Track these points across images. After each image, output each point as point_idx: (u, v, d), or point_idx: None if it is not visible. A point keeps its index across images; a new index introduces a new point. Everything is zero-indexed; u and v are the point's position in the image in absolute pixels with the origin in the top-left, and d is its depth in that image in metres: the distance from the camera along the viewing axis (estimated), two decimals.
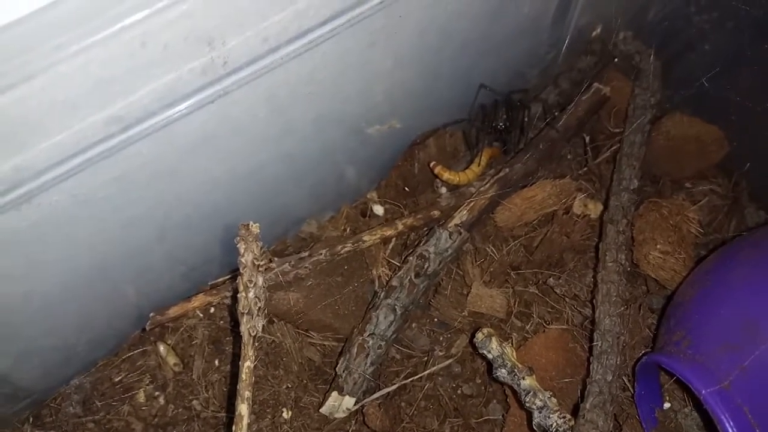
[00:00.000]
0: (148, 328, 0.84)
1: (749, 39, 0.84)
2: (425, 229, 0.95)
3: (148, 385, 0.89)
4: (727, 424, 0.59)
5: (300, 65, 0.61)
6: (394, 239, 0.95)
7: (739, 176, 0.98)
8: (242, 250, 0.74)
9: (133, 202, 0.66)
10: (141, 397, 0.89)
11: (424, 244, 0.90)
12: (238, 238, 0.74)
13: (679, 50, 0.96)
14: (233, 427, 0.69)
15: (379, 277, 0.93)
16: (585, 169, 0.99)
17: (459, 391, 0.89)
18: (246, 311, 0.72)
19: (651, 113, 0.94)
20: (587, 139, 0.99)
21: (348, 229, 0.96)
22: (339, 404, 0.84)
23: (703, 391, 0.61)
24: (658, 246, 0.86)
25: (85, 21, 0.43)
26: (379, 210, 0.98)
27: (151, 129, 0.55)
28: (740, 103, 0.92)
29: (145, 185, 0.64)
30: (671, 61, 0.98)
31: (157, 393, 0.89)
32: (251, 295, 0.72)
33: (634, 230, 0.89)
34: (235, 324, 0.89)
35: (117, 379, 0.89)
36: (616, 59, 1.02)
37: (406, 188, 0.97)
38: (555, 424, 0.72)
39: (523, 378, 0.76)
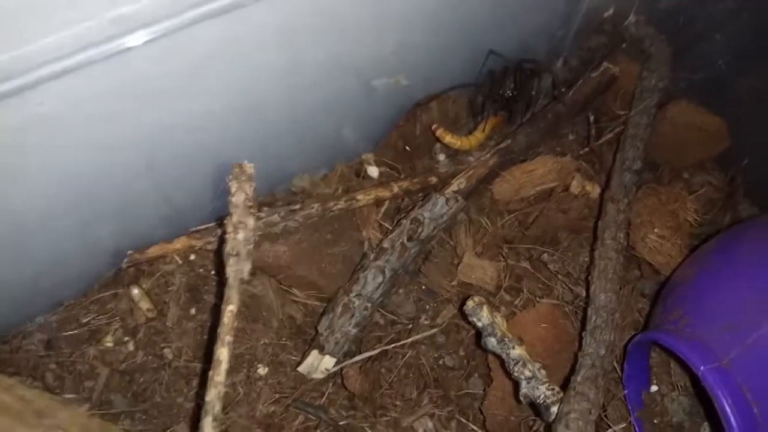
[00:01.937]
0: (124, 266, 0.80)
1: (764, 31, 0.83)
2: (420, 194, 0.93)
3: (117, 329, 0.85)
4: (725, 402, 0.57)
5: None
6: (387, 202, 0.92)
7: (737, 171, 0.98)
8: (234, 190, 0.70)
9: (126, 121, 0.61)
10: (109, 341, 0.84)
11: (419, 209, 0.87)
12: (231, 176, 0.71)
13: (691, 38, 0.95)
14: (210, 372, 0.66)
15: (369, 239, 0.90)
16: (587, 149, 0.97)
17: (441, 362, 0.87)
18: (234, 253, 0.69)
19: (658, 97, 0.93)
20: (591, 118, 0.97)
21: (340, 189, 0.93)
22: (318, 363, 0.81)
23: (702, 368, 0.60)
24: (656, 230, 0.85)
25: None
26: (373, 172, 0.95)
27: (157, 34, 0.51)
28: (746, 96, 0.92)
29: (141, 103, 0.60)
30: (682, 48, 0.97)
31: (126, 338, 0.84)
32: (240, 236, 0.69)
33: (631, 214, 0.88)
34: (217, 272, 0.86)
35: (84, 321, 0.84)
36: (625, 43, 1.01)
37: (407, 147, 0.94)
38: (543, 395, 0.70)
39: (513, 347, 0.74)
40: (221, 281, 0.71)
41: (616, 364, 0.80)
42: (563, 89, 0.95)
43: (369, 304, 0.83)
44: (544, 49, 1.00)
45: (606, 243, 0.81)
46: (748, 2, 0.86)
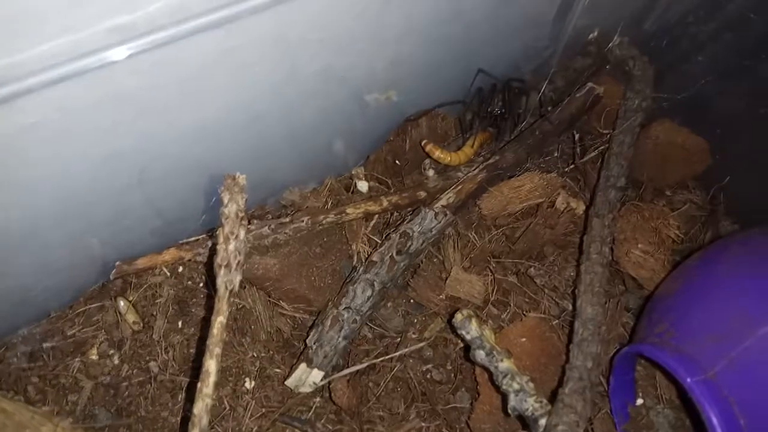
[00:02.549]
0: (112, 278, 0.79)
1: (745, 52, 0.86)
2: (409, 209, 0.93)
3: (102, 341, 0.84)
4: (711, 414, 0.58)
5: (315, 5, 0.59)
6: (377, 216, 0.93)
7: (718, 189, 1.00)
8: (226, 201, 0.70)
9: (119, 132, 0.61)
10: (94, 353, 0.83)
11: (408, 223, 0.88)
12: (223, 188, 0.71)
13: (674, 59, 0.98)
14: (198, 385, 0.65)
15: (358, 252, 0.91)
16: (572, 166, 0.99)
17: (428, 376, 0.87)
18: (224, 264, 0.69)
19: (642, 116, 0.95)
20: (577, 136, 0.99)
21: (330, 202, 0.93)
22: (306, 377, 0.81)
23: (689, 380, 0.61)
24: (639, 245, 0.87)
25: None
26: (363, 186, 0.96)
27: (154, 45, 0.51)
28: (727, 117, 0.94)
29: (135, 114, 0.60)
30: (665, 69, 1.00)
31: (111, 351, 0.83)
32: (231, 247, 0.69)
33: (616, 229, 0.90)
34: (206, 284, 0.85)
35: (70, 333, 0.83)
36: (609, 64, 1.03)
37: (397, 162, 0.95)
38: (531, 407, 0.71)
39: (501, 360, 0.75)
40: (210, 293, 0.71)
41: (602, 378, 0.81)
42: (549, 108, 0.97)
43: (358, 317, 0.83)
44: (531, 68, 1.02)
45: (592, 257, 0.82)
46: (729, 24, 0.89)
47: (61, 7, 0.46)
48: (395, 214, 0.95)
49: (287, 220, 0.85)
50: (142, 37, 0.51)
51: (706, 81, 0.94)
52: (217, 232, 0.69)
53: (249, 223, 0.83)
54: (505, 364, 0.75)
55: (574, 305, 0.81)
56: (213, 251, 0.69)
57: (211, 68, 0.60)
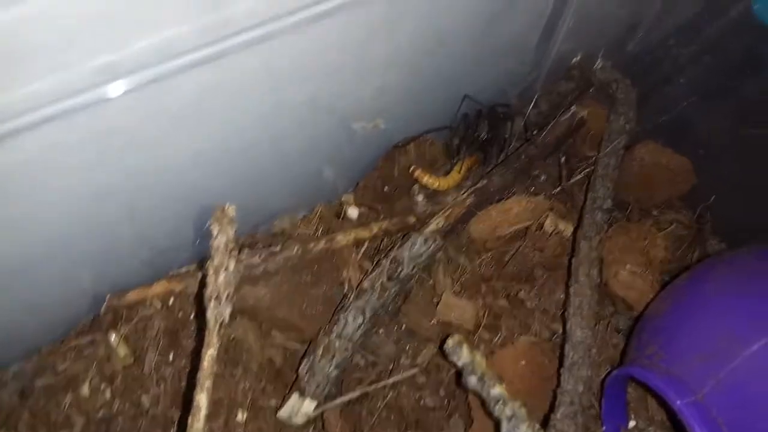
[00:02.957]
0: (103, 311, 0.79)
1: (725, 74, 0.88)
2: (399, 234, 0.94)
3: (94, 376, 0.83)
4: None
5: (301, 39, 0.60)
6: (367, 242, 0.93)
7: (704, 209, 1.01)
8: (215, 233, 0.71)
9: (108, 169, 0.62)
10: (85, 389, 0.82)
11: (398, 248, 0.88)
12: (213, 219, 0.71)
13: (656, 81, 1.00)
14: (189, 419, 0.65)
15: (349, 279, 0.91)
16: (559, 189, 1.00)
17: (422, 403, 0.87)
18: (214, 296, 0.69)
19: (626, 138, 0.97)
20: (563, 159, 1.01)
21: (321, 229, 0.94)
22: (299, 407, 0.80)
23: (678, 402, 0.61)
24: (628, 266, 0.88)
25: None
26: (353, 213, 0.97)
27: (141, 83, 0.52)
28: (710, 137, 0.96)
29: (123, 150, 0.60)
30: (647, 91, 1.02)
31: (103, 385, 0.83)
32: (221, 279, 0.69)
33: (603, 251, 0.90)
34: (197, 316, 0.85)
35: (61, 368, 0.83)
36: (593, 87, 1.05)
37: (386, 188, 0.96)
38: None
39: (494, 386, 0.75)
40: (201, 326, 0.71)
41: (594, 400, 0.81)
42: (535, 132, 0.99)
43: (349, 345, 0.83)
44: (517, 93, 1.04)
45: (580, 280, 0.83)
46: (708, 47, 0.91)
47: (48, 48, 0.46)
48: (386, 239, 0.95)
49: (277, 249, 0.85)
50: (129, 76, 0.52)
51: (688, 102, 0.96)
52: (207, 265, 0.69)
53: (239, 252, 0.84)
54: (497, 390, 0.74)
55: (564, 328, 0.82)
56: (203, 283, 0.69)
57: (199, 102, 0.60)
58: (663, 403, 0.66)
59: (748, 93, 0.88)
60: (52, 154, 0.55)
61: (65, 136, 0.54)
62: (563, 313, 0.84)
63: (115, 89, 0.52)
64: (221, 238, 0.69)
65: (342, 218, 0.97)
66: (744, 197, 0.98)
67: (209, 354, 0.66)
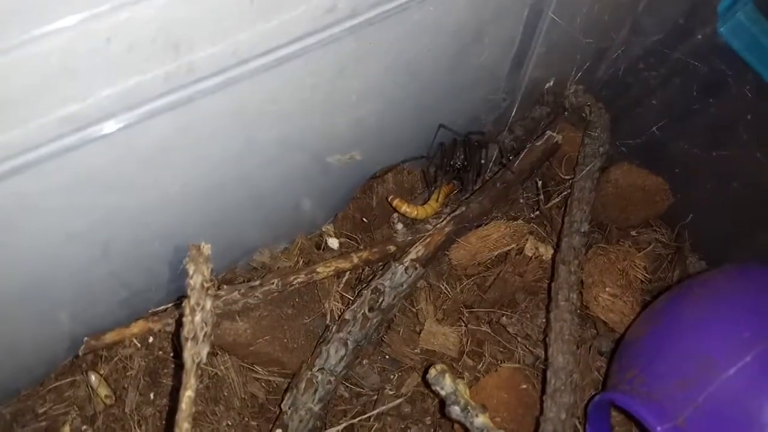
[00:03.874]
0: (81, 354, 0.79)
1: (695, 95, 0.90)
2: (380, 264, 0.94)
3: (75, 418, 0.82)
4: None
5: (269, 81, 0.61)
6: (348, 273, 0.93)
7: (682, 227, 1.02)
8: (191, 272, 0.70)
9: (79, 213, 0.62)
10: (66, 431, 0.81)
11: (379, 278, 0.89)
12: (188, 258, 0.71)
13: (628, 104, 1.01)
14: None
15: (331, 310, 0.91)
16: (537, 212, 1.01)
17: None
18: (191, 336, 0.68)
19: (600, 161, 0.98)
20: (539, 183, 1.02)
21: (301, 261, 0.93)
22: None
23: (658, 428, 0.61)
24: (607, 289, 0.88)
25: (51, 4, 0.42)
26: (334, 243, 0.97)
27: (106, 133, 0.53)
28: (684, 156, 0.97)
29: (94, 195, 0.60)
30: (620, 113, 1.03)
31: (84, 427, 0.82)
32: (198, 319, 0.69)
33: (583, 273, 0.91)
34: (176, 354, 0.85)
35: (41, 411, 0.82)
36: (567, 112, 1.06)
37: (364, 219, 0.96)
38: None
39: (477, 415, 0.74)
40: (180, 364, 0.71)
41: (578, 425, 0.81)
42: (511, 157, 1.00)
43: (332, 378, 0.83)
44: (492, 119, 1.05)
45: (560, 305, 0.83)
46: (677, 69, 0.92)
47: (14, 102, 0.47)
48: (367, 269, 0.95)
49: (257, 283, 0.85)
50: (94, 125, 0.52)
51: (661, 124, 0.97)
52: (183, 304, 0.69)
53: (219, 288, 0.84)
54: (481, 420, 0.74)
55: (546, 354, 0.82)
56: (180, 323, 0.69)
57: (167, 145, 0.61)
58: (645, 429, 0.66)
59: (717, 113, 0.89)
60: (22, 200, 0.56)
61: (35, 184, 0.54)
62: (545, 338, 0.84)
63: (83, 137, 0.52)
64: (197, 277, 0.69)
65: (323, 249, 0.97)
66: (722, 214, 0.99)
67: (187, 395, 0.66)
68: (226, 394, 0.84)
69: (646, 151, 1.01)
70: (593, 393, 0.84)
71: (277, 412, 0.83)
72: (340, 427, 0.84)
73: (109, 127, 0.53)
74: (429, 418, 0.87)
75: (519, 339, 0.89)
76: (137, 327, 0.81)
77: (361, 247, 0.95)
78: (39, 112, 0.49)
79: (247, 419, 0.84)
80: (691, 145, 0.95)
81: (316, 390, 0.81)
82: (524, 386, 0.84)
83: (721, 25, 0.84)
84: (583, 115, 1.04)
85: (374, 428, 0.86)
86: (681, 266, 1.01)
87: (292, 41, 0.59)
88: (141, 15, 0.47)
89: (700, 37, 0.87)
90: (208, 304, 0.69)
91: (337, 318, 0.89)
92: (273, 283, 0.86)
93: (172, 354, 0.85)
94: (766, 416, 0.57)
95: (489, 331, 0.91)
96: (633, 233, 1.03)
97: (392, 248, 0.93)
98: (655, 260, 1.01)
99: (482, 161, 0.96)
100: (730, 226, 0.98)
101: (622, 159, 1.02)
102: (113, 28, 0.46)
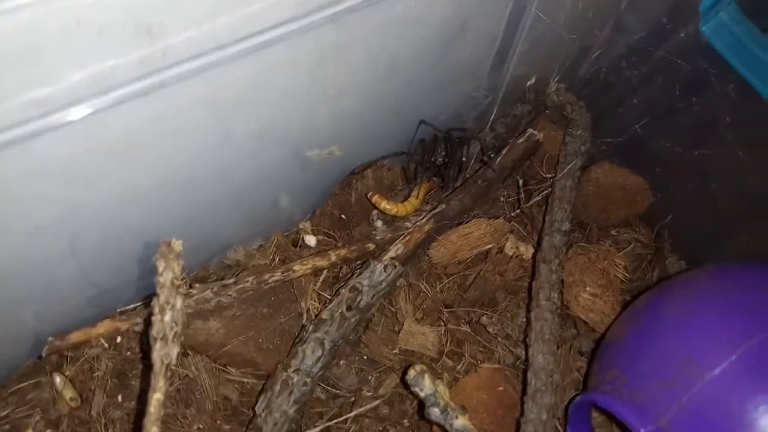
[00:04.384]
0: (44, 354, 0.75)
1: (677, 94, 0.89)
2: (358, 262, 0.92)
3: (38, 421, 0.79)
4: None
5: (246, 68, 0.58)
6: (325, 271, 0.91)
7: (662, 227, 1.02)
8: (161, 269, 0.68)
9: (42, 207, 0.59)
10: None
11: (357, 277, 0.86)
12: (158, 255, 0.68)
13: (610, 103, 1.01)
14: None
15: (308, 310, 0.88)
16: (518, 211, 1.00)
17: None
18: (160, 336, 0.65)
19: (581, 160, 0.97)
20: (521, 182, 1.01)
21: (278, 259, 0.91)
22: None
23: (641, 430, 0.60)
24: (588, 288, 0.87)
25: None
26: (311, 241, 0.94)
27: (74, 119, 0.50)
28: (665, 156, 0.97)
29: (60, 185, 0.57)
30: (601, 112, 1.03)
31: (48, 431, 0.78)
32: (167, 318, 0.66)
33: (564, 273, 0.90)
34: (145, 354, 0.81)
35: (2, 414, 0.78)
36: (548, 110, 1.06)
37: (342, 216, 0.94)
38: None
39: (456, 417, 0.73)
40: (149, 365, 0.68)
41: (559, 426, 0.80)
42: (492, 155, 0.98)
43: (308, 379, 0.80)
44: (473, 116, 1.03)
45: (541, 304, 0.82)
46: (659, 68, 0.92)
47: None
48: (345, 267, 0.93)
49: (231, 281, 0.83)
50: (62, 110, 0.49)
51: (642, 123, 0.97)
52: (152, 303, 0.66)
53: (191, 286, 0.81)
54: (460, 422, 0.73)
55: (526, 353, 0.81)
56: (148, 322, 0.66)
57: (138, 135, 0.58)
58: (626, 430, 0.65)
59: (699, 112, 0.89)
60: None
61: None
62: (525, 338, 0.83)
63: (48, 123, 0.49)
64: (167, 274, 0.66)
65: (300, 246, 0.95)
66: (701, 214, 0.99)
67: (155, 398, 0.63)
68: (197, 396, 0.81)
69: (628, 149, 1.01)
70: (574, 393, 0.83)
71: (251, 415, 0.80)
72: (316, 430, 0.82)
73: (78, 112, 0.50)
74: (407, 420, 0.86)
75: (499, 339, 0.88)
76: (104, 326, 0.78)
77: (339, 244, 0.93)
78: (2, 95, 0.45)
79: (219, 422, 0.81)
80: (672, 144, 0.94)
81: (291, 392, 0.79)
82: (504, 387, 0.83)
83: (703, 24, 0.84)
84: (565, 113, 1.03)
85: (351, 430, 0.84)
86: (660, 266, 1.01)
87: (272, 27, 0.56)
88: None
89: (683, 35, 0.87)
90: (179, 302, 0.67)
91: (313, 317, 0.87)
92: (248, 282, 0.83)
93: (140, 355, 0.82)
94: (751, 416, 0.57)
95: (469, 330, 0.89)
96: (613, 233, 1.02)
97: (371, 246, 0.91)
98: (635, 260, 1.00)
99: (463, 158, 0.94)
100: (711, 226, 0.98)
101: (603, 158, 1.02)
102: (83, 8, 0.43)
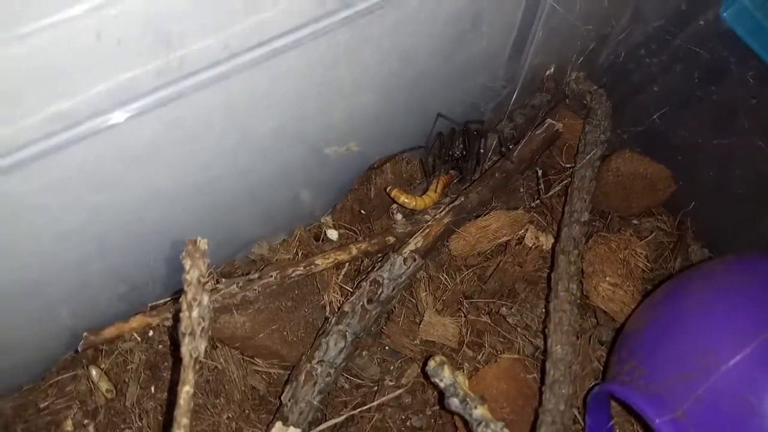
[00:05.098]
0: (80, 349, 0.79)
1: (697, 82, 0.88)
2: (379, 255, 0.94)
3: (76, 412, 0.83)
4: None
5: (261, 74, 0.60)
6: (347, 264, 0.93)
7: (684, 215, 1.01)
8: (188, 267, 0.70)
9: (70, 213, 0.61)
10: (68, 425, 0.82)
11: (378, 270, 0.88)
12: (184, 253, 0.71)
13: (629, 91, 1.00)
14: None
15: (331, 302, 0.91)
16: (537, 201, 1.00)
17: (408, 423, 0.87)
18: (188, 332, 0.68)
19: (601, 149, 0.97)
20: (540, 172, 1.01)
21: (300, 253, 0.93)
22: None
23: (657, 420, 0.61)
24: (608, 278, 0.87)
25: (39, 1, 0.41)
26: (333, 235, 0.96)
27: (97, 129, 0.52)
28: (686, 144, 0.96)
29: (87, 192, 0.60)
30: (621, 101, 1.02)
31: (86, 421, 0.82)
32: (195, 314, 0.69)
33: (583, 263, 0.90)
34: (176, 348, 0.84)
35: (43, 405, 0.83)
36: (567, 99, 1.05)
37: (362, 210, 0.95)
38: None
39: (475, 407, 0.74)
40: (180, 357, 0.71)
41: (578, 415, 0.81)
42: (510, 146, 0.99)
43: (332, 370, 0.83)
44: (491, 107, 1.03)
45: (560, 295, 0.83)
46: (679, 56, 0.91)
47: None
48: (366, 260, 0.95)
49: (256, 276, 0.85)
50: (84, 123, 0.51)
51: (662, 111, 0.96)
52: (180, 299, 0.69)
53: (217, 282, 0.84)
54: (479, 411, 0.74)
55: (545, 344, 0.81)
56: (177, 318, 0.69)
57: (160, 141, 0.60)
58: (643, 420, 0.65)
59: (720, 100, 0.88)
60: (9, 199, 0.55)
61: (21, 184, 0.54)
62: (544, 328, 0.84)
63: (73, 135, 0.52)
64: (193, 272, 0.69)
65: (322, 240, 0.97)
66: (724, 202, 0.98)
67: (185, 391, 0.66)
68: (226, 387, 0.84)
69: (648, 138, 1.00)
70: (593, 383, 0.83)
71: (278, 405, 0.83)
72: (340, 419, 0.84)
73: (100, 124, 0.52)
74: (429, 408, 0.87)
75: (519, 329, 0.89)
76: (136, 321, 0.81)
77: (360, 238, 0.95)
78: (27, 111, 0.48)
79: (247, 411, 0.84)
80: (692, 133, 0.93)
81: (315, 382, 0.81)
82: (523, 377, 0.84)
83: (724, 9, 0.82)
84: (584, 102, 1.03)
85: (374, 419, 0.86)
86: (683, 254, 1.00)
87: (285, 33, 0.58)
88: (131, 9, 0.46)
89: (702, 22, 0.85)
90: (205, 299, 0.69)
91: (336, 310, 0.89)
92: (271, 276, 0.85)
93: (171, 348, 0.85)
94: (766, 407, 0.57)
95: (488, 321, 0.90)
96: (634, 221, 1.02)
97: (391, 239, 0.93)
98: (657, 249, 1.00)
99: (481, 150, 0.95)
100: (733, 213, 0.97)
101: (623, 146, 1.01)
102: (103, 24, 0.45)
